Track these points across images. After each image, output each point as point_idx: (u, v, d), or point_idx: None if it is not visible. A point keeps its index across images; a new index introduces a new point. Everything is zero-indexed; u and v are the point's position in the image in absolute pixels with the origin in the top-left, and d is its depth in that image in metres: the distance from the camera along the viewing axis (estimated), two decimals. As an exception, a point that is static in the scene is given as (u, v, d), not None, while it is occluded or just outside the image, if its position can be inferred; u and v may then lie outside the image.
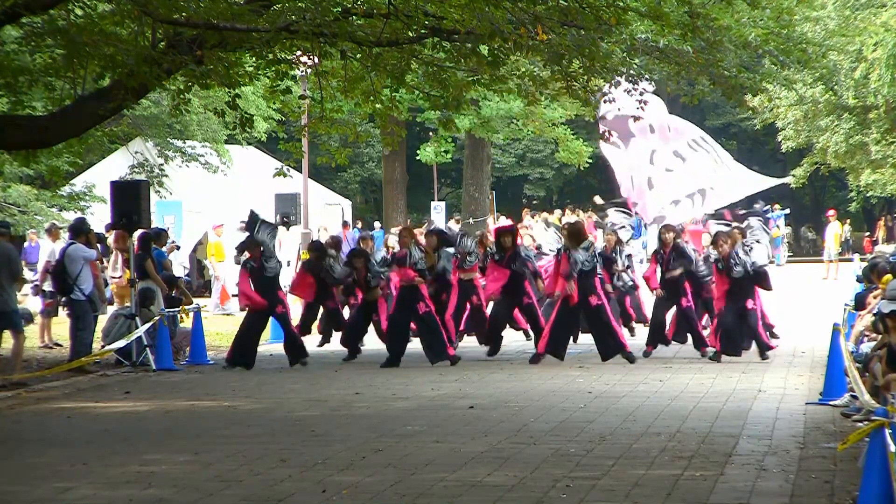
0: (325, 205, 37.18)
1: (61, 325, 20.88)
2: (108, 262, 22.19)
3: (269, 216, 30.98)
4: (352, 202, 46.06)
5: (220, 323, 24.08)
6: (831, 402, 12.74)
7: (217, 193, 33.21)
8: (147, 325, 17.62)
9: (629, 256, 20.68)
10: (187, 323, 19.13)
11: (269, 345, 19.74)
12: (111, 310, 19.91)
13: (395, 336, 17.58)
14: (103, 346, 17.58)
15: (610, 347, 17.13)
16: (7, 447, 11.34)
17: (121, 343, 17.35)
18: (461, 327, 19.45)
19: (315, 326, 19.53)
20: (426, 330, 17.54)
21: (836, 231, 37.03)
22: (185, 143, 32.88)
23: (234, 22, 14.27)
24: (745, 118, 50.99)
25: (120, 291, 20.59)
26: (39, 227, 27.57)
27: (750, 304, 17.09)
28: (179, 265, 29.88)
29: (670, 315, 18.25)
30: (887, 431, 7.33)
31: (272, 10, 15.18)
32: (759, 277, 17.19)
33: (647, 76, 17.59)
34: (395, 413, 12.82)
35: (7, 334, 16.48)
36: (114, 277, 20.54)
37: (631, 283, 20.51)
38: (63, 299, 18.13)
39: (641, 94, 17.50)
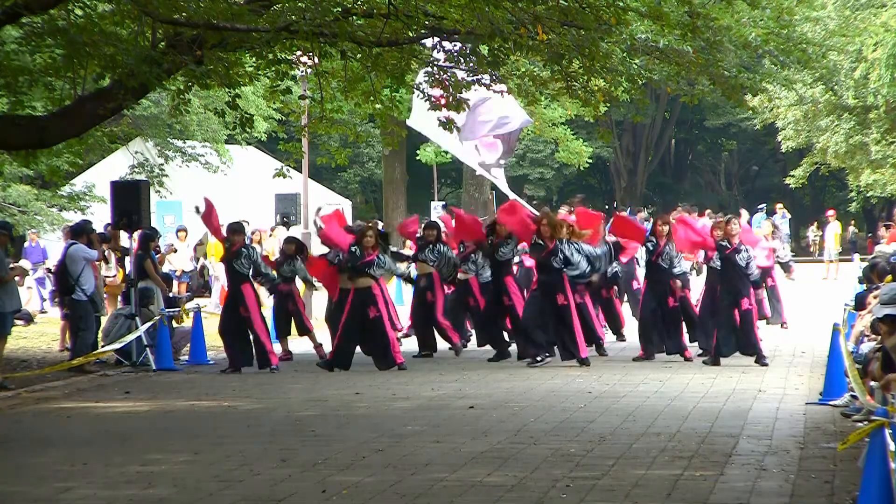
0: (325, 205, 37.14)
1: (56, 325, 20.90)
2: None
3: (269, 216, 31.09)
4: (352, 202, 46.04)
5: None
6: (831, 402, 12.74)
7: (217, 193, 33.10)
8: (147, 325, 17.61)
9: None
10: (186, 322, 19.13)
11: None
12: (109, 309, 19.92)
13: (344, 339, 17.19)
14: (103, 346, 17.58)
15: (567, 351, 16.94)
16: (7, 447, 11.34)
17: (119, 344, 17.35)
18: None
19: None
20: (372, 336, 17.13)
21: (836, 231, 37.01)
22: (185, 143, 32.86)
23: (234, 22, 14.26)
24: (745, 118, 50.99)
25: (113, 290, 20.59)
26: (40, 227, 27.57)
27: (671, 302, 17.38)
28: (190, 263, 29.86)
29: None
30: (887, 431, 7.33)
31: (272, 10, 15.17)
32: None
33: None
34: (395, 413, 12.82)
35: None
36: (107, 277, 20.54)
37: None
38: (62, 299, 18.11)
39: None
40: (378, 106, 17.97)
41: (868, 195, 45.51)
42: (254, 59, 16.57)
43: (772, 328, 20.86)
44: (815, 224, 54.38)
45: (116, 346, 17.37)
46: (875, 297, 13.87)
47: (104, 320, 18.45)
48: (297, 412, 13.07)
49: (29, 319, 23.55)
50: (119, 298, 20.10)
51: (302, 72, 22.67)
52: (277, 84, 16.50)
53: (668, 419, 11.91)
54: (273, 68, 16.12)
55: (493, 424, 11.74)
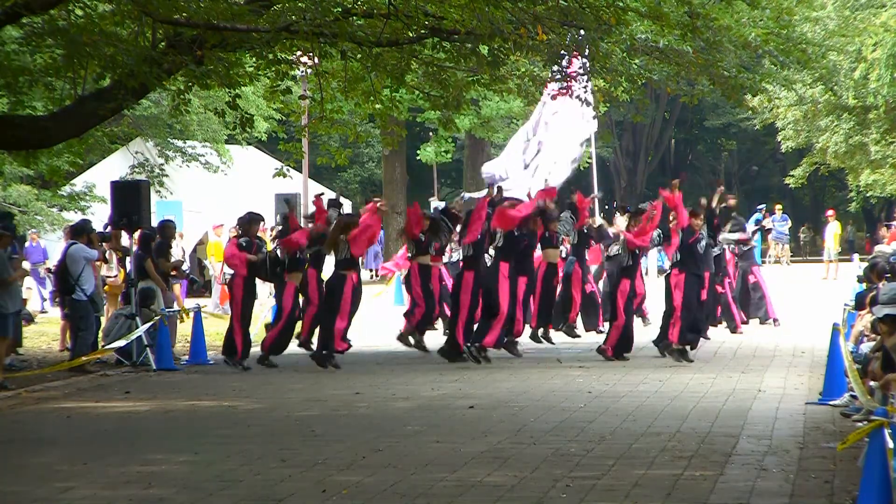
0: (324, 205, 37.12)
1: (56, 325, 20.88)
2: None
3: (269, 216, 31.10)
4: (352, 202, 46.02)
5: (219, 323, 24.04)
6: (831, 402, 12.74)
7: (217, 193, 33.20)
8: (147, 325, 17.61)
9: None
10: (187, 322, 19.11)
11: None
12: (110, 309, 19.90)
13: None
14: (103, 346, 17.58)
15: None
16: (7, 447, 11.35)
17: (121, 343, 17.36)
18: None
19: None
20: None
21: (835, 231, 37.03)
22: (185, 143, 32.90)
23: (234, 22, 14.28)
24: (745, 118, 50.99)
25: (114, 290, 20.59)
26: (40, 227, 27.59)
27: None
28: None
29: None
30: (887, 431, 7.34)
31: (272, 10, 15.20)
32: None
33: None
34: (395, 413, 12.82)
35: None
36: (108, 277, 20.55)
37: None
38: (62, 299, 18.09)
39: None
40: (378, 106, 18.01)
41: (868, 195, 45.52)
42: (254, 59, 16.60)
43: (766, 328, 20.97)
44: (806, 225, 54.49)
45: (118, 344, 17.36)
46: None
47: (104, 320, 18.45)
48: (297, 412, 13.07)
49: (29, 319, 23.55)
50: (119, 298, 20.11)
51: (302, 72, 22.71)
52: (277, 84, 16.52)
53: (668, 419, 11.91)
54: (273, 68, 16.15)
55: (493, 424, 11.74)
